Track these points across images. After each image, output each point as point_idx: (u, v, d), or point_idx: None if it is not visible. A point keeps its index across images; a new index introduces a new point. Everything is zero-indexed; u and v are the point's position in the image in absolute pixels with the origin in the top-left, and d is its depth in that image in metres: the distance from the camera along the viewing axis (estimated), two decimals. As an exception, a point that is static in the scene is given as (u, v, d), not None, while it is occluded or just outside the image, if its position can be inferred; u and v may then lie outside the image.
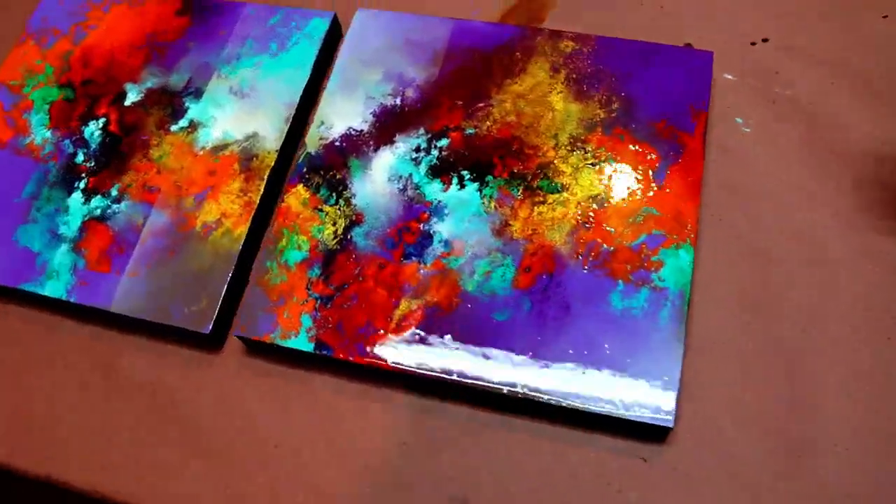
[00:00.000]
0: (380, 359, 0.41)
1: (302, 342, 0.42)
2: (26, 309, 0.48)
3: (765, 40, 0.50)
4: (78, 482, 0.42)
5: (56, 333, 0.46)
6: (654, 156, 0.44)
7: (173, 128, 0.50)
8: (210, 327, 0.43)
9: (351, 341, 0.41)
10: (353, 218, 0.45)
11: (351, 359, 0.41)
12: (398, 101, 0.48)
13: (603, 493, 0.38)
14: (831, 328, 0.41)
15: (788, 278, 0.42)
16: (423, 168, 0.46)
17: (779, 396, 0.39)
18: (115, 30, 0.55)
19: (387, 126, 0.48)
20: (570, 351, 0.40)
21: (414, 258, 0.43)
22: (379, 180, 0.46)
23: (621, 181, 0.44)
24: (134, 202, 0.48)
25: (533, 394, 0.39)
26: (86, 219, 0.48)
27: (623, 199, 0.43)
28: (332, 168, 0.47)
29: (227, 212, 0.46)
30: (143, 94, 0.52)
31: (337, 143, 0.47)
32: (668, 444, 0.39)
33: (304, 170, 0.47)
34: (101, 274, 0.46)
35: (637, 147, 0.45)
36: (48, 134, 0.51)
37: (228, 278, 0.44)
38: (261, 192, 0.46)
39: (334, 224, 0.45)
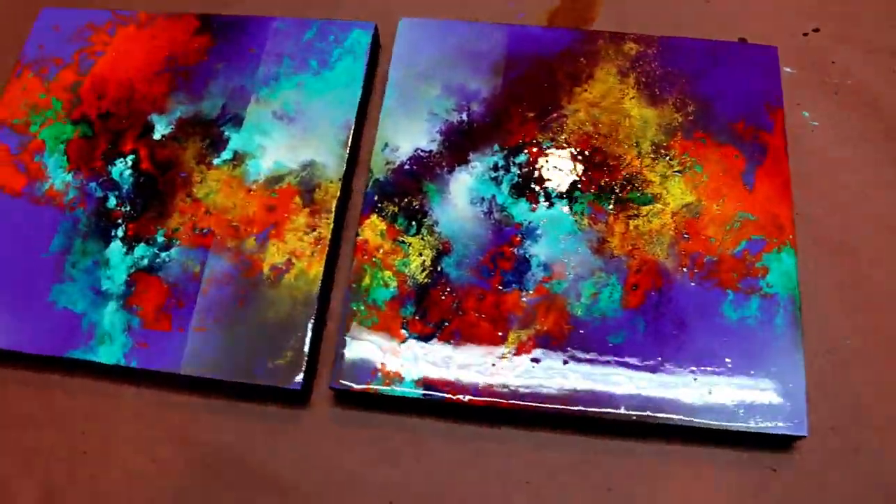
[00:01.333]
0: (497, 397, 0.38)
1: (409, 388, 0.39)
2: (75, 378, 0.42)
3: (816, 30, 0.50)
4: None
5: (115, 404, 0.42)
6: (739, 158, 0.43)
7: (216, 161, 0.45)
8: (301, 382, 0.39)
9: (462, 383, 0.39)
10: (440, 247, 0.42)
11: (465, 400, 0.38)
12: (465, 117, 0.45)
13: (742, 510, 0.38)
14: (928, 317, 0.41)
15: (886, 271, 0.42)
16: (505, 187, 0.43)
17: (896, 392, 0.40)
18: (126, 55, 0.49)
19: (457, 144, 0.45)
20: (693, 368, 0.39)
21: (514, 286, 0.41)
22: (460, 204, 0.43)
23: (712, 187, 0.43)
24: (185, 248, 0.43)
25: (662, 416, 0.38)
26: (132, 271, 0.43)
27: (717, 206, 0.42)
28: (407, 194, 0.43)
29: (296, 251, 0.42)
30: (173, 126, 0.47)
31: (406, 167, 0.44)
32: (795, 451, 0.39)
33: (375, 198, 0.43)
34: (161, 332, 0.41)
35: (720, 150, 0.44)
36: (69, 177, 0.46)
37: (311, 325, 0.40)
38: (331, 227, 0.43)
39: (420, 255, 0.42)
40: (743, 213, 0.42)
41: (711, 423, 0.37)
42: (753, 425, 0.37)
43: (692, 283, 0.40)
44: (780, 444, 0.39)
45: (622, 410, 0.38)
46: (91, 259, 0.43)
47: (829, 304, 0.42)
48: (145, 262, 0.43)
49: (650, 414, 0.38)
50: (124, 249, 0.43)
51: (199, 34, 0.50)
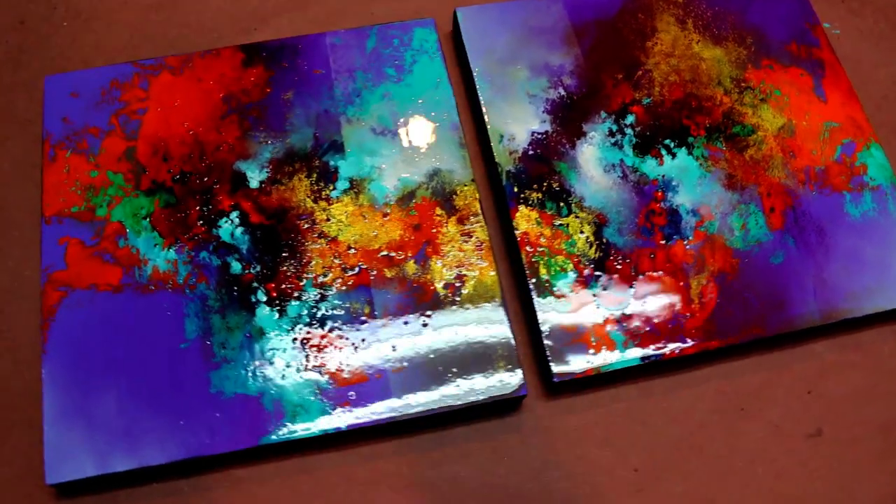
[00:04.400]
0: (704, 340, 0.40)
1: (627, 359, 0.39)
2: (259, 466, 0.38)
3: (805, -49, 0.56)
4: None
5: (317, 477, 0.38)
6: (805, 76, 0.48)
7: (333, 194, 0.42)
8: (526, 387, 0.38)
9: (670, 338, 0.40)
10: (597, 220, 0.42)
11: (678, 353, 0.40)
12: (562, 92, 0.46)
13: (916, 373, 0.43)
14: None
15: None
16: (627, 150, 0.45)
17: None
18: (175, 106, 0.44)
19: (567, 120, 0.45)
20: (846, 266, 0.43)
21: (675, 237, 0.42)
22: (596, 175, 0.44)
23: (795, 106, 0.47)
24: (343, 293, 0.40)
25: (841, 311, 0.41)
26: (295, 333, 0.39)
27: (805, 122, 0.47)
28: (543, 178, 0.43)
29: (461, 262, 0.41)
30: (268, 170, 0.42)
31: (530, 152, 0.44)
32: (928, 313, 0.45)
33: (515, 189, 0.43)
34: (359, 385, 0.38)
35: (788, 72, 0.48)
36: (170, 254, 0.40)
37: (511, 329, 0.39)
38: (486, 229, 0.42)
39: (582, 233, 0.42)
40: (828, 123, 0.47)
41: (876, 307, 0.42)
42: (906, 298, 0.43)
43: (814, 194, 0.45)
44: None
45: (807, 320, 0.41)
46: (241, 333, 0.39)
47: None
48: (305, 319, 0.39)
49: (830, 313, 0.42)
50: (275, 314, 0.39)
51: (249, 66, 0.45)
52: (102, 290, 0.39)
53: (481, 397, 0.38)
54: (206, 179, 0.42)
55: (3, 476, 0.37)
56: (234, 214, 0.41)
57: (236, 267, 0.40)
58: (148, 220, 0.41)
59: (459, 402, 0.38)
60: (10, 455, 0.38)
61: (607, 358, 0.39)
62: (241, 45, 0.46)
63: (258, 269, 0.40)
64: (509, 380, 0.38)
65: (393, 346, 0.39)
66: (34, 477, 0.37)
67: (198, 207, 0.41)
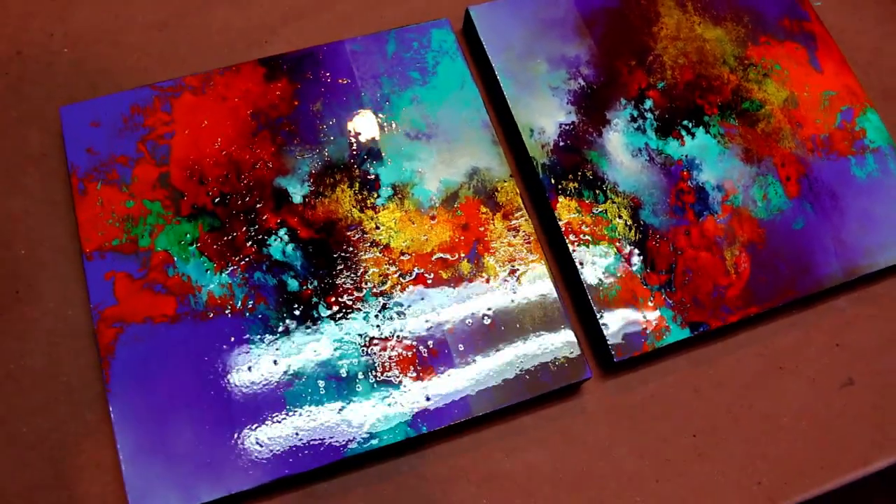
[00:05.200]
0: (745, 308, 0.43)
1: (678, 333, 0.41)
2: (342, 477, 0.38)
3: (777, -70, 0.58)
4: None
5: (395, 483, 0.39)
6: (800, 49, 0.51)
7: (379, 202, 0.42)
8: (590, 370, 0.40)
9: (714, 309, 0.42)
10: (632, 204, 0.44)
11: (723, 323, 0.42)
12: (582, 83, 0.47)
13: (927, 317, 0.47)
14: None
15: (917, 104, 0.53)
16: (650, 133, 0.46)
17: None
18: (203, 127, 0.43)
19: (591, 109, 0.46)
20: (860, 226, 0.46)
21: (705, 213, 0.45)
22: (625, 160, 0.45)
23: (795, 79, 0.50)
24: (402, 298, 0.40)
25: (863, 266, 0.45)
26: (362, 343, 0.39)
27: (805, 93, 0.50)
28: (576, 168, 0.45)
29: (512, 256, 0.42)
30: (310, 184, 0.42)
31: (561, 144, 0.45)
32: (930, 260, 0.49)
33: (552, 181, 0.44)
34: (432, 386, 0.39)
35: (784, 47, 0.51)
36: (223, 278, 0.40)
37: (567, 317, 0.41)
38: (531, 222, 0.43)
39: (620, 217, 0.44)
40: (826, 92, 0.50)
41: (890, 260, 0.45)
42: (911, 250, 0.46)
43: (822, 160, 0.48)
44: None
45: (833, 279, 0.44)
46: (309, 350, 0.39)
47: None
48: (370, 328, 0.39)
49: (852, 270, 0.45)
50: (339, 326, 0.39)
51: (272, 80, 0.44)
52: (159, 322, 0.38)
53: (550, 384, 0.39)
54: (247, 199, 0.41)
55: (83, 521, 0.36)
56: (282, 232, 0.41)
57: (293, 284, 0.40)
58: (195, 245, 0.40)
59: (530, 392, 0.39)
60: (84, 501, 0.37)
61: (661, 334, 0.41)
62: (259, 59, 0.45)
63: (315, 284, 0.40)
64: (573, 364, 0.40)
65: (459, 346, 0.40)
66: (116, 518, 0.36)
67: (244, 228, 0.41)
